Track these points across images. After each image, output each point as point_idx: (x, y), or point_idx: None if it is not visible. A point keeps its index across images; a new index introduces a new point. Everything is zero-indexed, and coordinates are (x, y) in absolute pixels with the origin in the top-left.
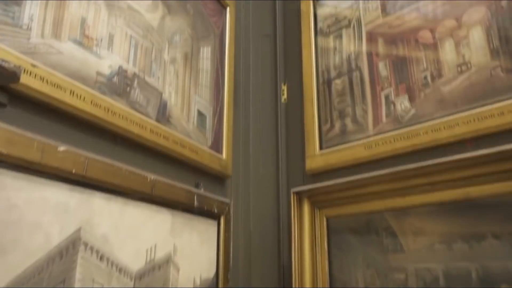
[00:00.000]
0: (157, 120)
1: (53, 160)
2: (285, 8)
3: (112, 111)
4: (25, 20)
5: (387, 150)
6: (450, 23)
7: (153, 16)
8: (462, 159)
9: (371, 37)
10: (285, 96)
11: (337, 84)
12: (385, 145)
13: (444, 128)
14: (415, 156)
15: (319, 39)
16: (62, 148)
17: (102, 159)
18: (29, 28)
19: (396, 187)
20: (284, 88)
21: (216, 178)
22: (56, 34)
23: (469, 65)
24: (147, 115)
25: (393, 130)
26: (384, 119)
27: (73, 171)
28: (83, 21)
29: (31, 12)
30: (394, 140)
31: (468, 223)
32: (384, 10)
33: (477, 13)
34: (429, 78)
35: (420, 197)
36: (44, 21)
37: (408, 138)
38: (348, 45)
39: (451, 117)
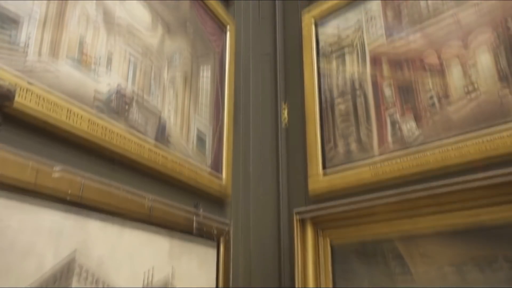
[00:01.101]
0: (156, 140)
1: (48, 182)
2: (285, 28)
3: (109, 131)
4: (22, 38)
5: (393, 171)
6: (456, 45)
7: (152, 36)
8: (471, 181)
9: (375, 59)
10: (285, 115)
11: (340, 104)
12: (392, 166)
13: (452, 149)
14: (422, 178)
15: (321, 59)
16: (57, 169)
17: (99, 180)
18: (26, 47)
19: (403, 210)
20: (285, 108)
21: (216, 199)
22: (54, 53)
23: (476, 87)
24: (145, 135)
25: (399, 151)
26: (389, 140)
27: (69, 192)
28: (82, 40)
29: (29, 30)
30: (401, 161)
31: (479, 246)
32: (388, 32)
33: (484, 35)
34: (435, 99)
35: (428, 220)
36: (41, 39)
37: (416, 160)
38: (351, 66)
39: (459, 139)
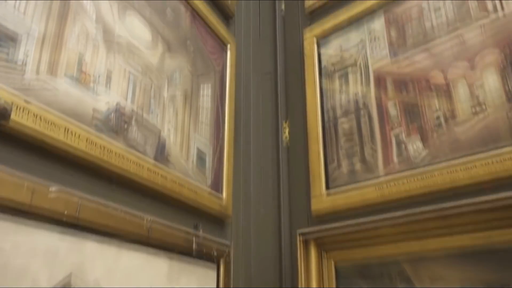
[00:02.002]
0: (155, 159)
1: (43, 202)
2: (286, 46)
3: (108, 150)
4: (20, 56)
5: (400, 192)
6: (462, 65)
7: (152, 53)
8: (482, 203)
9: (379, 78)
10: (286, 134)
11: (344, 123)
12: (398, 186)
13: (461, 170)
14: (430, 199)
15: (324, 78)
16: (53, 188)
17: (96, 200)
18: (23, 65)
19: (411, 231)
20: (286, 126)
21: (216, 219)
22: (52, 70)
23: (484, 108)
24: (144, 154)
25: (405, 171)
26: (395, 160)
27: (65, 212)
28: (81, 58)
29: (27, 48)
30: (408, 182)
31: (490, 269)
32: (392, 52)
33: (491, 56)
34: (442, 120)
35: (437, 242)
36: (40, 56)
37: (423, 180)
38: (355, 85)
39: (467, 159)
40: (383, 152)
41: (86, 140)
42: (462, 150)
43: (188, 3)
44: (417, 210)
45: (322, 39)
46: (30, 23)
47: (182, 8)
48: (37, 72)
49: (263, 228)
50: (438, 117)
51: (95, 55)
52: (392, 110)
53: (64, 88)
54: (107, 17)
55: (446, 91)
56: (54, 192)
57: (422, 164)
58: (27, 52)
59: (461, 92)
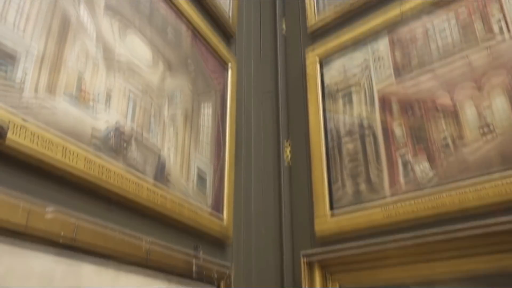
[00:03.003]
0: (155, 179)
1: (39, 223)
2: (287, 66)
3: (107, 170)
4: (19, 74)
5: (407, 213)
6: (469, 86)
7: (153, 73)
8: (492, 225)
9: (384, 99)
10: (287, 153)
11: (348, 143)
12: (405, 208)
13: (470, 191)
14: (439, 220)
15: (327, 98)
16: (50, 209)
17: (93, 221)
18: (22, 83)
19: (419, 253)
20: (287, 146)
21: (216, 241)
22: (51, 89)
23: (492, 129)
24: (144, 174)
25: (412, 192)
26: (401, 180)
27: (62, 234)
28: (80, 76)
29: (26, 66)
30: (415, 203)
31: None
32: (396, 72)
33: (498, 78)
34: (449, 140)
35: (447, 265)
36: (39, 75)
37: (431, 201)
38: (359, 105)
39: (476, 180)
40: (389, 173)
41: (85, 160)
42: (470, 171)
43: (189, 22)
44: (426, 232)
45: (325, 59)
46: (29, 41)
47: (183, 27)
48: (36, 90)
49: (264, 249)
50: (445, 138)
51: (95, 73)
52: (398, 130)
53: (63, 107)
54: (107, 36)
55: (453, 112)
56: (51, 213)
57: (430, 185)
58: (26, 70)
59: (468, 113)
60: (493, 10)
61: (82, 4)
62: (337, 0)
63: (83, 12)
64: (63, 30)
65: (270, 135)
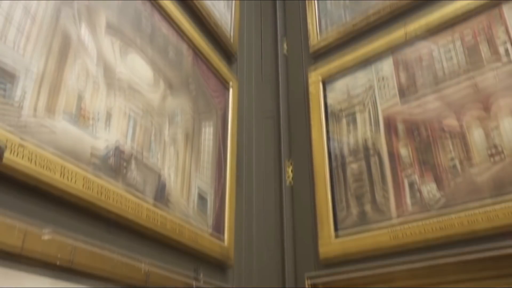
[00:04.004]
0: (155, 199)
1: (36, 246)
2: (289, 86)
3: (106, 190)
4: (18, 93)
5: (414, 235)
6: (476, 107)
7: (154, 92)
8: (502, 247)
9: (389, 119)
10: (289, 173)
11: (352, 163)
12: (412, 229)
13: (479, 213)
14: (447, 242)
15: (330, 117)
16: (47, 231)
17: (91, 243)
18: (21, 102)
19: (428, 276)
20: (289, 166)
21: (217, 263)
22: (50, 109)
23: (500, 150)
24: (144, 194)
25: (420, 214)
26: (408, 202)
27: (58, 256)
28: (80, 95)
29: (25, 85)
30: (423, 225)
31: None
32: (401, 92)
33: (505, 99)
34: (457, 164)
35: None
36: (38, 94)
37: (439, 223)
38: (363, 125)
39: (486, 202)
40: (395, 194)
41: (83, 179)
42: (479, 192)
43: (191, 41)
44: (434, 254)
45: (328, 79)
46: (29, 60)
47: (184, 47)
48: (35, 110)
49: (266, 272)
50: (452, 159)
51: (95, 92)
52: (404, 151)
53: (62, 127)
54: (108, 56)
55: (460, 133)
56: (48, 235)
57: (437, 207)
58: (25, 89)
59: (475, 135)
60: (499, 33)
61: (83, 23)
62: (339, 21)
63: (84, 31)
64: (64, 49)
65: (271, 154)
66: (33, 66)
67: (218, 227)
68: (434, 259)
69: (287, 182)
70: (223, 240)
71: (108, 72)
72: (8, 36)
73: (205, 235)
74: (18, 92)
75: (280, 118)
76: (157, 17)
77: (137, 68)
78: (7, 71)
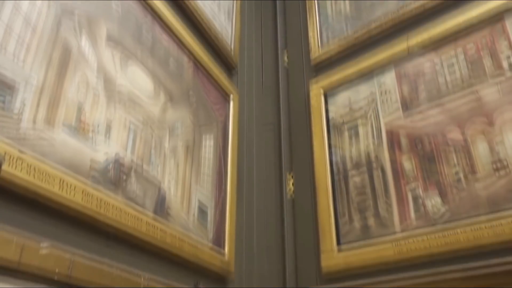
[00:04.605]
0: (155, 213)
1: (33, 259)
2: (290, 98)
3: (105, 203)
4: (17, 105)
5: (419, 249)
6: (480, 121)
7: (154, 104)
8: (509, 262)
9: (392, 132)
10: (290, 186)
11: (355, 176)
12: (417, 243)
13: (485, 227)
14: (453, 257)
15: (332, 130)
16: (45, 244)
17: (90, 257)
18: (20, 113)
19: None
20: (290, 177)
21: (218, 277)
22: (50, 120)
23: (506, 164)
24: (143, 207)
25: (424, 228)
26: (412, 215)
27: (56, 271)
28: (80, 107)
29: (24, 96)
30: (428, 239)
31: None
32: (404, 106)
33: (509, 113)
34: (461, 175)
35: None
36: (37, 106)
37: (444, 238)
38: (366, 138)
39: (492, 217)
40: (399, 207)
41: (82, 192)
42: (485, 207)
43: (191, 53)
44: (440, 269)
45: (330, 91)
46: (29, 71)
47: (185, 58)
48: (34, 121)
49: (267, 286)
50: (457, 173)
51: (95, 104)
52: (407, 164)
53: (62, 138)
54: (108, 67)
55: (464, 147)
56: (45, 249)
57: (442, 221)
58: (25, 101)
59: (480, 148)
60: (502, 47)
61: (84, 35)
62: (341, 33)
63: (85, 43)
64: (64, 61)
65: (272, 167)
66: (32, 78)
67: (218, 241)
68: (439, 274)
69: (288, 195)
70: (223, 254)
71: (108, 84)
72: (8, 48)
73: (205, 248)
74: (17, 104)
75: (281, 130)
76: (158, 29)
77: (137, 80)
78: (6, 83)
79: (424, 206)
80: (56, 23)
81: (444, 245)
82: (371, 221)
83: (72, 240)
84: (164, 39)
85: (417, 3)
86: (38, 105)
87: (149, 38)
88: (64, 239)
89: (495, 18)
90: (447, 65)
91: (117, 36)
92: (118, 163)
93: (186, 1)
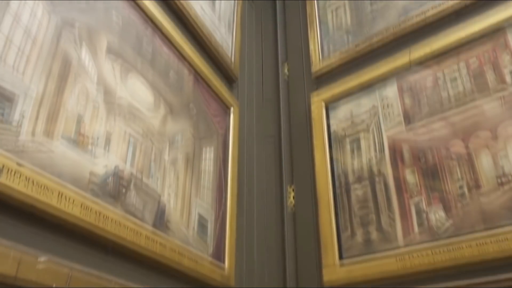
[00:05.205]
0: (154, 226)
1: (30, 273)
2: (290, 110)
3: (104, 216)
4: (16, 117)
5: (424, 264)
6: (484, 135)
7: (154, 116)
8: None
9: (395, 145)
10: (291, 199)
11: (357, 189)
12: (422, 258)
13: (491, 242)
14: (458, 272)
15: (334, 143)
16: (42, 258)
17: (88, 272)
18: (19, 126)
19: None
20: (291, 190)
21: None
22: (49, 132)
23: (510, 178)
24: (143, 220)
25: (428, 242)
26: (416, 232)
27: (54, 285)
28: (80, 119)
29: (23, 109)
30: (433, 254)
31: None
32: (407, 119)
33: None
34: (465, 189)
35: None
36: (36, 118)
37: (449, 253)
38: (368, 151)
39: (497, 232)
40: (402, 221)
41: (81, 206)
42: (490, 221)
43: (191, 66)
44: (445, 284)
45: (331, 104)
46: (28, 83)
47: (185, 71)
48: (33, 133)
49: None
50: (461, 187)
51: (94, 117)
52: (410, 177)
53: (61, 151)
54: (108, 79)
55: (468, 160)
56: (43, 263)
57: (446, 235)
58: (24, 113)
59: (484, 162)
60: (505, 62)
61: (84, 47)
62: (342, 46)
63: (85, 55)
64: (64, 73)
65: (273, 180)
66: (32, 89)
67: (218, 254)
68: (439, 282)
69: (289, 208)
70: (223, 268)
71: (108, 96)
72: (7, 59)
73: (205, 262)
74: (16, 117)
75: (282, 142)
76: (158, 41)
77: (137, 92)
78: (5, 95)
79: (428, 220)
80: (57, 35)
81: (449, 260)
82: (374, 235)
83: (70, 254)
84: (165, 52)
85: (418, 18)
86: (37, 117)
87: (150, 50)
88: (62, 253)
89: (497, 33)
90: (450, 79)
91: (117, 48)
92: (117, 176)
93: (186, 14)
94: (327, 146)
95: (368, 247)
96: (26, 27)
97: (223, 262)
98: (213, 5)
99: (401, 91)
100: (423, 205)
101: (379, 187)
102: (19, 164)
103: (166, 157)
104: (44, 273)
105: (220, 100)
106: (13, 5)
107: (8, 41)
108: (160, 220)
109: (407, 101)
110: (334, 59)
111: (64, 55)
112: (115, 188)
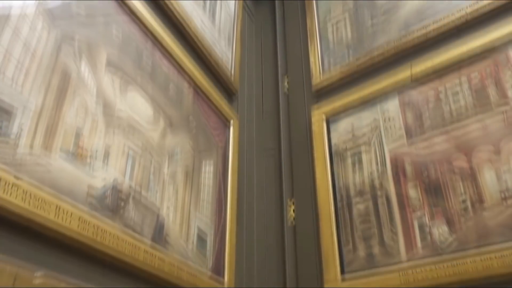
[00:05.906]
0: (153, 240)
1: None
2: (290, 123)
3: (102, 231)
4: (14, 130)
5: (427, 279)
6: (486, 149)
7: (153, 129)
8: None
9: (396, 159)
10: (291, 212)
11: (359, 203)
12: (425, 273)
13: (495, 257)
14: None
15: (335, 156)
16: (39, 273)
17: (85, 286)
18: (17, 139)
19: None
20: (291, 204)
21: None
22: (47, 145)
23: None
24: (141, 234)
25: (432, 257)
26: (419, 247)
27: None
28: (78, 132)
29: (22, 122)
30: (436, 269)
31: None
32: (408, 133)
33: None
34: (468, 204)
35: None
36: (35, 131)
37: (453, 268)
38: (369, 165)
39: (502, 247)
40: (405, 236)
41: (79, 220)
42: (493, 236)
43: (191, 79)
44: None
45: (332, 117)
46: (27, 96)
47: (185, 84)
48: (31, 147)
49: None
50: (464, 201)
51: (93, 130)
52: (413, 192)
53: (59, 164)
54: (108, 92)
55: (471, 175)
56: (39, 278)
57: (449, 250)
58: (22, 126)
59: (487, 177)
60: (507, 77)
61: (84, 60)
62: (343, 60)
63: (84, 68)
64: (63, 86)
65: (273, 193)
66: (31, 103)
67: (218, 269)
68: None
69: (289, 222)
70: (223, 283)
71: (107, 109)
72: (7, 72)
73: (205, 277)
74: (15, 130)
75: (282, 156)
76: (158, 55)
77: (137, 106)
78: (3, 108)
79: (431, 234)
80: (56, 48)
81: (453, 275)
82: (376, 250)
83: (67, 269)
84: (164, 65)
85: (419, 32)
86: (35, 130)
87: (149, 63)
88: (59, 268)
89: (499, 48)
90: (452, 93)
91: (117, 62)
92: (116, 190)
93: (186, 27)
94: (328, 160)
95: (370, 261)
96: (26, 40)
97: (223, 276)
98: (213, 18)
99: (402, 105)
100: (426, 220)
101: (381, 201)
102: (16, 177)
103: (165, 170)
104: None
105: (220, 113)
106: (13, 18)
107: (7, 54)
108: (159, 234)
109: (409, 115)
110: (334, 72)
111: (64, 68)
112: (113, 201)
